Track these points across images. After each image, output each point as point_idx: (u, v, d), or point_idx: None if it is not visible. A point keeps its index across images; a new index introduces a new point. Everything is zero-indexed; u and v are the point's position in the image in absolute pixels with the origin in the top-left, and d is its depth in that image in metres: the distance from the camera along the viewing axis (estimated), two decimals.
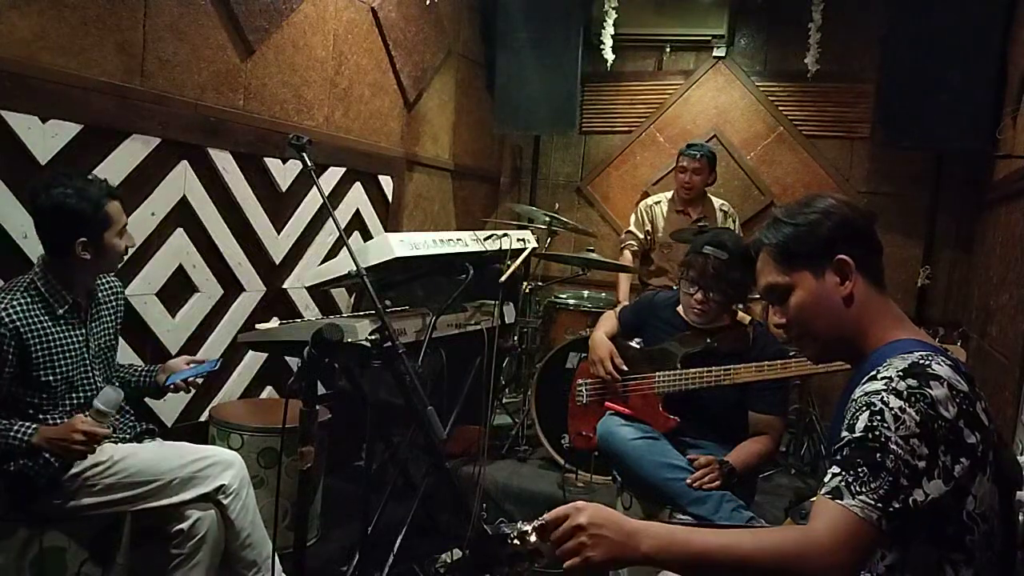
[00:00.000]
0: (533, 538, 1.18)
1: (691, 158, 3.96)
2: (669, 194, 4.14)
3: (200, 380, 2.34)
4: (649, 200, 4.22)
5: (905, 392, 1.14)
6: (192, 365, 2.29)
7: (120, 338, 2.32)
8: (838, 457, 1.17)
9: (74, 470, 2.01)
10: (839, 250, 1.31)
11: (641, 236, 4.13)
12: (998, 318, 3.12)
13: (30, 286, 1.98)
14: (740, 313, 2.55)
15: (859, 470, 1.13)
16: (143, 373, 2.34)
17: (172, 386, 2.25)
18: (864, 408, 1.16)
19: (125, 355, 2.40)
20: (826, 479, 1.17)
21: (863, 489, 1.11)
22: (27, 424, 1.92)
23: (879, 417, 1.14)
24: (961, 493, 1.15)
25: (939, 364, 1.18)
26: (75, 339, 2.06)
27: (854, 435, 1.16)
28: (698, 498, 2.23)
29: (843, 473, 1.14)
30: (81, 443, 1.92)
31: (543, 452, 3.52)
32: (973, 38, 3.58)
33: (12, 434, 1.90)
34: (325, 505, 2.95)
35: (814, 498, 1.34)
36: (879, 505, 1.10)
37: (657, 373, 2.53)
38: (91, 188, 1.99)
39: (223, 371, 3.06)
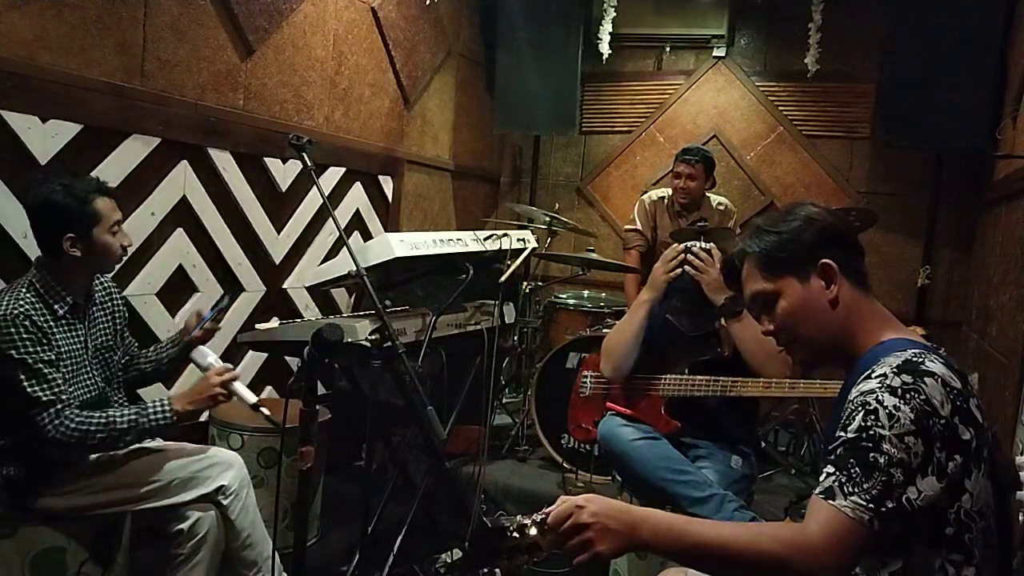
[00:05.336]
0: (532, 531, 1.19)
1: (686, 163, 3.78)
2: (669, 191, 3.98)
3: (219, 320, 2.37)
4: (652, 194, 4.05)
5: (900, 389, 1.15)
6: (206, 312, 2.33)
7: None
8: (832, 456, 1.18)
9: (74, 470, 2.00)
10: (822, 255, 1.33)
11: (648, 235, 3.98)
12: (998, 318, 3.12)
13: (29, 287, 1.97)
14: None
15: (852, 470, 1.14)
16: (167, 345, 2.36)
17: (196, 337, 2.27)
18: (859, 408, 1.17)
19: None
20: (821, 478, 1.18)
21: (855, 490, 1.12)
22: (158, 401, 2.02)
23: (873, 416, 1.15)
24: (956, 490, 1.15)
25: (932, 361, 1.19)
26: (75, 339, 2.05)
27: (848, 435, 1.17)
28: (699, 499, 2.23)
29: (836, 473, 1.15)
30: (223, 393, 2.07)
31: (543, 452, 3.52)
32: (973, 38, 3.58)
33: (152, 416, 2.00)
34: (325, 505, 2.95)
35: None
36: (871, 506, 1.11)
37: (664, 376, 2.53)
38: (79, 184, 1.99)
39: None
